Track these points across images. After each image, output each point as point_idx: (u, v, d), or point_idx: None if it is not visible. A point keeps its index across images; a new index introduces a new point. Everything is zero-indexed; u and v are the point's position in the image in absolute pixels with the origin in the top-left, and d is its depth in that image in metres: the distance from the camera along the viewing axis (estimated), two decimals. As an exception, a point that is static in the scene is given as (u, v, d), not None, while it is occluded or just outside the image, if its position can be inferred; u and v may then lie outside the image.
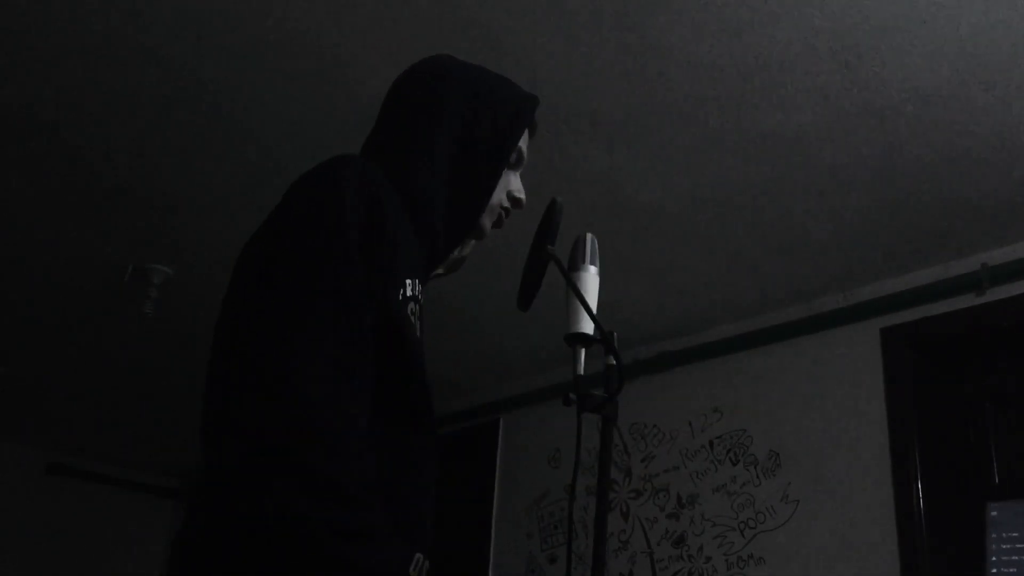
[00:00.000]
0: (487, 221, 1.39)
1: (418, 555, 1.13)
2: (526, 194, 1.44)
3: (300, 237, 1.12)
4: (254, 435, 0.98)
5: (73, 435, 5.76)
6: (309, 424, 0.99)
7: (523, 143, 1.41)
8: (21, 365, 4.67)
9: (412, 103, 1.36)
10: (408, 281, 1.19)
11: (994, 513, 2.59)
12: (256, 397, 1.00)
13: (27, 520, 5.78)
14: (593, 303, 1.34)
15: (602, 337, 1.33)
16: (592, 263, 1.38)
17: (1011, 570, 2.49)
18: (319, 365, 1.03)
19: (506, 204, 1.41)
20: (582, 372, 1.32)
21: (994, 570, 2.51)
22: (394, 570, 1.04)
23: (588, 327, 1.33)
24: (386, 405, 1.13)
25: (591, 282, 1.37)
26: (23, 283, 3.79)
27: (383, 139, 1.35)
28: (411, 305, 1.18)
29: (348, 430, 1.03)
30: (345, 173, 1.17)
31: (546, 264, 1.38)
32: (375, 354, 1.12)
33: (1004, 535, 2.54)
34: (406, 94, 1.38)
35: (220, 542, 1.01)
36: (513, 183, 1.41)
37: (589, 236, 1.41)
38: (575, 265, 1.38)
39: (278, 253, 1.12)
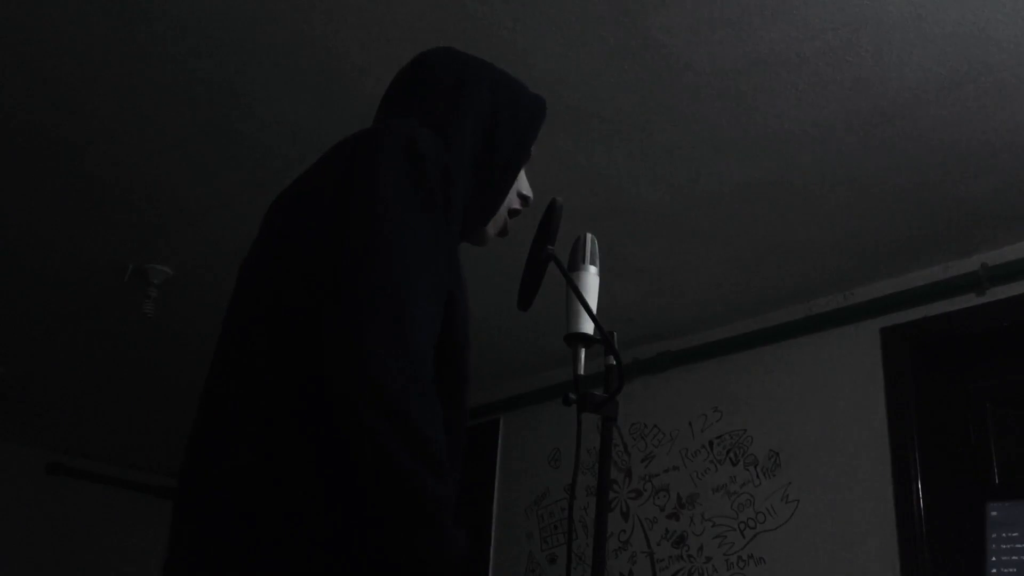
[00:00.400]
0: (494, 226, 1.37)
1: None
2: None
3: (401, 191, 1.09)
4: (377, 371, 0.98)
5: (73, 435, 5.75)
6: (418, 376, 1.01)
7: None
8: (21, 365, 4.67)
9: (437, 89, 1.32)
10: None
11: (994, 513, 2.59)
12: (384, 337, 1.00)
13: (27, 520, 5.77)
14: (593, 303, 1.35)
15: (602, 337, 1.33)
16: (592, 263, 1.38)
17: (1011, 570, 2.48)
18: (427, 320, 1.05)
19: (515, 205, 1.39)
20: (582, 372, 1.32)
21: (994, 570, 2.51)
22: (460, 546, 1.04)
23: (588, 327, 1.33)
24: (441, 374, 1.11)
25: (591, 282, 1.37)
26: (23, 283, 3.79)
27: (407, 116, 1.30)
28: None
29: (434, 394, 1.05)
30: (426, 139, 1.15)
31: (546, 264, 1.38)
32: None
33: (1004, 535, 2.54)
34: (425, 84, 1.34)
35: (311, 471, 1.02)
36: (521, 182, 1.41)
37: (589, 236, 1.41)
38: (575, 265, 1.38)
39: (374, 205, 1.08)
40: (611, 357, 1.34)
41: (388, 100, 1.38)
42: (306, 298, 1.08)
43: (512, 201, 1.38)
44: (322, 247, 1.09)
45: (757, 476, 3.41)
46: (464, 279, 1.21)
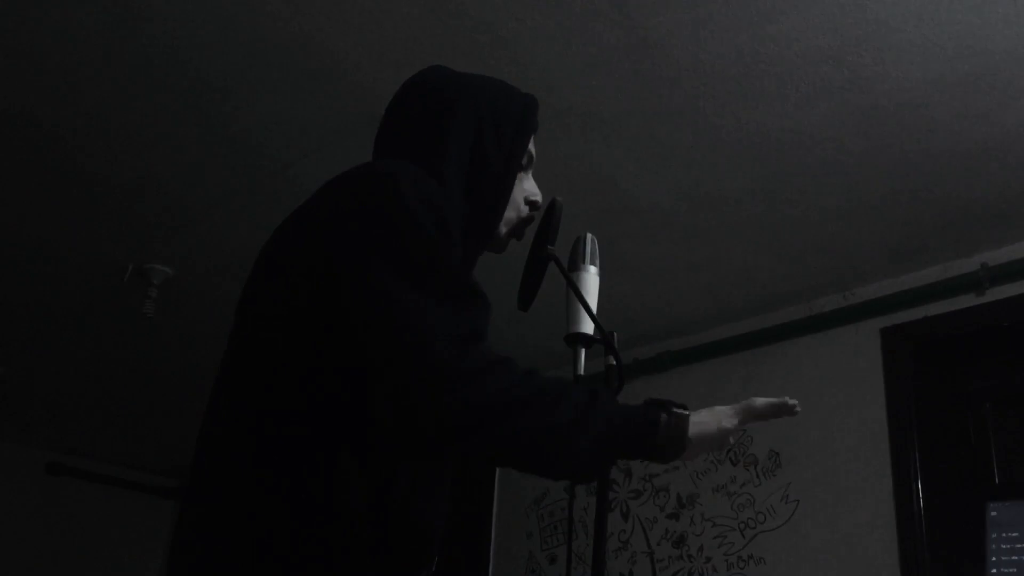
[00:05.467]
0: (503, 230, 1.37)
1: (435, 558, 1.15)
2: None
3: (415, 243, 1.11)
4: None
5: (73, 435, 5.75)
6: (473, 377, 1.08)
7: (531, 145, 1.39)
8: (21, 365, 4.67)
9: (420, 120, 1.33)
10: None
11: (994, 513, 2.59)
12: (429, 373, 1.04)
13: (27, 520, 5.77)
14: (593, 303, 1.34)
15: (602, 337, 1.33)
16: (592, 263, 1.38)
17: (1011, 570, 2.48)
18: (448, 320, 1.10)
19: (524, 212, 1.38)
20: (582, 372, 1.32)
21: (994, 570, 2.51)
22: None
23: (588, 327, 1.33)
24: None
25: (591, 282, 1.37)
26: (23, 283, 3.79)
27: (396, 155, 1.32)
28: None
29: None
30: (411, 181, 1.16)
31: (546, 264, 1.37)
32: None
33: (1004, 535, 2.54)
34: (412, 110, 1.35)
35: None
36: (528, 186, 1.40)
37: (589, 236, 1.40)
38: (575, 265, 1.38)
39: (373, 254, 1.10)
40: (611, 357, 1.34)
41: (381, 133, 1.39)
42: (294, 346, 1.11)
43: (520, 208, 1.37)
44: (311, 300, 1.11)
45: (757, 476, 3.41)
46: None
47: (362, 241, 1.10)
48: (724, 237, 3.12)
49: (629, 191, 2.91)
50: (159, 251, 3.50)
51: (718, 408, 1.24)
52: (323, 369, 1.08)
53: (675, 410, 1.18)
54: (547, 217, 1.39)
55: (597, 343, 1.33)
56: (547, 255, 1.36)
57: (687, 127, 2.60)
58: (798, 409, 1.27)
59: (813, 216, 2.95)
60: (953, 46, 2.24)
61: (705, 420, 1.21)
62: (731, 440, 1.25)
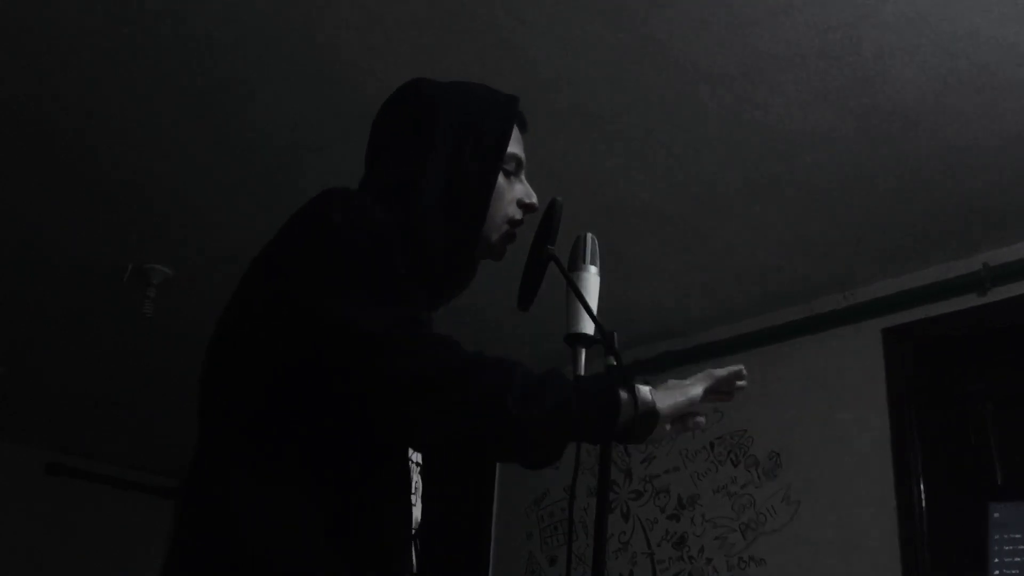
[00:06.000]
0: (494, 236, 1.37)
1: None
2: None
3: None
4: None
5: (73, 435, 5.75)
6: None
7: (518, 148, 1.38)
8: (21, 365, 4.66)
9: (398, 137, 1.35)
10: None
11: (996, 514, 2.58)
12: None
13: (27, 520, 5.77)
14: (593, 303, 1.34)
15: (602, 337, 1.32)
16: (592, 263, 1.37)
17: (1013, 572, 2.48)
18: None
19: (516, 216, 1.39)
20: (582, 372, 1.31)
21: (996, 572, 2.50)
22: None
23: (588, 327, 1.32)
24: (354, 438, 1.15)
25: (591, 282, 1.36)
26: (23, 283, 3.79)
27: (375, 175, 1.35)
28: None
29: None
30: (349, 208, 1.19)
31: (546, 264, 1.37)
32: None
33: (1006, 536, 2.53)
34: (390, 128, 1.38)
35: None
36: (519, 190, 1.39)
37: (589, 236, 1.40)
38: (575, 265, 1.37)
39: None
40: (611, 357, 1.33)
41: (368, 151, 1.41)
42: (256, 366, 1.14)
43: (509, 212, 1.37)
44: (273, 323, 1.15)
45: (758, 477, 3.40)
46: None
47: (297, 260, 1.16)
48: (724, 237, 3.11)
49: (629, 191, 2.90)
50: (159, 251, 3.50)
51: (678, 381, 1.25)
52: (284, 373, 1.12)
53: (640, 387, 1.18)
54: (547, 217, 1.38)
55: (597, 343, 1.33)
56: (547, 255, 1.36)
57: (687, 127, 2.59)
58: (744, 377, 1.35)
59: (813, 216, 2.95)
60: (953, 46, 2.23)
61: (673, 393, 1.22)
62: (700, 416, 1.27)
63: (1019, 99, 2.39)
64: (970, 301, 3.05)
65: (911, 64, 2.30)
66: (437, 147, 1.32)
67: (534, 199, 1.40)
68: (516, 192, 1.39)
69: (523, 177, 1.41)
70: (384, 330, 1.07)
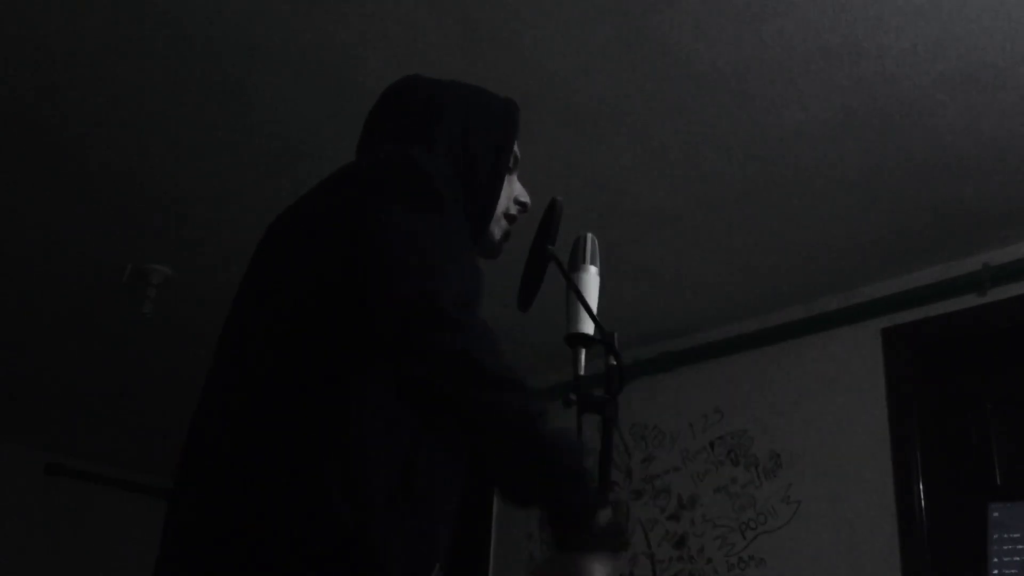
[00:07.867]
0: (496, 232, 1.39)
1: (437, 565, 1.15)
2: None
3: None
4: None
5: (73, 435, 5.75)
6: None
7: (515, 146, 1.41)
8: (21, 365, 4.66)
9: (405, 125, 1.35)
10: None
11: (996, 514, 2.58)
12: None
13: (26, 520, 5.77)
14: (593, 303, 1.34)
15: (602, 337, 1.32)
16: (592, 263, 1.37)
17: (1013, 572, 2.48)
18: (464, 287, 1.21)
19: (512, 211, 1.41)
20: (582, 372, 1.31)
21: (995, 571, 2.50)
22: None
23: (588, 327, 1.32)
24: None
25: (591, 282, 1.36)
26: (22, 283, 3.78)
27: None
28: None
29: None
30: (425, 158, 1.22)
31: (546, 264, 1.37)
32: None
33: (1006, 536, 2.53)
34: (395, 116, 1.37)
35: None
36: (515, 187, 1.42)
37: (589, 236, 1.40)
38: (575, 265, 1.37)
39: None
40: (612, 357, 1.33)
41: (366, 135, 1.41)
42: (317, 316, 1.12)
43: (509, 207, 1.39)
44: (337, 269, 1.12)
45: (758, 477, 3.40)
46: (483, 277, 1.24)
47: (383, 195, 1.14)
48: (724, 237, 3.11)
49: (629, 191, 2.90)
50: (158, 251, 3.50)
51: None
52: (350, 339, 1.10)
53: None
54: (547, 217, 1.38)
55: (597, 343, 1.33)
56: (547, 255, 1.36)
57: (688, 127, 2.59)
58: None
59: (813, 216, 2.95)
60: (954, 46, 2.23)
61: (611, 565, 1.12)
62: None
63: (1020, 99, 2.39)
64: (970, 301, 3.05)
65: (912, 64, 2.30)
66: (447, 136, 1.33)
67: (528, 198, 1.44)
68: (514, 189, 1.42)
69: (516, 176, 1.43)
70: (461, 311, 1.10)
